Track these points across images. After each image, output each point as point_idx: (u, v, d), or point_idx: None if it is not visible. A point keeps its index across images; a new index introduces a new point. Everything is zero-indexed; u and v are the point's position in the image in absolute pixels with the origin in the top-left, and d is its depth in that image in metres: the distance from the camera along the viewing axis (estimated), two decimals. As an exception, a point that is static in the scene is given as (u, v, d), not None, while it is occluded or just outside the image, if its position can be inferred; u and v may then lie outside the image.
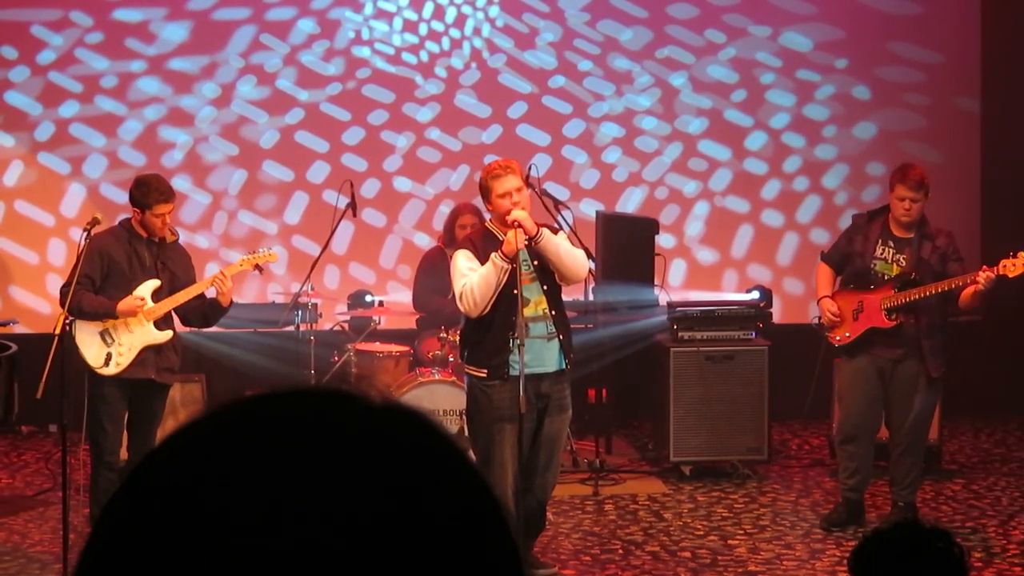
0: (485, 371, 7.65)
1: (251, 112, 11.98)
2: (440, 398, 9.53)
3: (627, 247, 10.43)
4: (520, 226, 7.45)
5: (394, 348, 10.30)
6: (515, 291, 7.47)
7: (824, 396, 10.40)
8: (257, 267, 8.58)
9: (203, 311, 8.29)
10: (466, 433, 8.04)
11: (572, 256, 7.65)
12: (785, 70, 12.26)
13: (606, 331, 10.48)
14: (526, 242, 7.50)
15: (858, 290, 8.69)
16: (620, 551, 8.46)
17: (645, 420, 11.12)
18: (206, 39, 11.90)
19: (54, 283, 11.59)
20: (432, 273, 10.30)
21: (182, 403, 9.82)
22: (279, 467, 1.08)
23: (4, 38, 11.82)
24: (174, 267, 8.21)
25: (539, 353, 7.65)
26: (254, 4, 11.93)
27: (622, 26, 12.17)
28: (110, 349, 8.05)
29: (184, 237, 8.54)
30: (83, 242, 7.95)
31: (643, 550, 8.47)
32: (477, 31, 12.11)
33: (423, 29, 12.07)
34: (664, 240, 11.35)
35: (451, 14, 12.07)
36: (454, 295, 7.84)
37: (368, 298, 10.98)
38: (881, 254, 8.63)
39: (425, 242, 11.65)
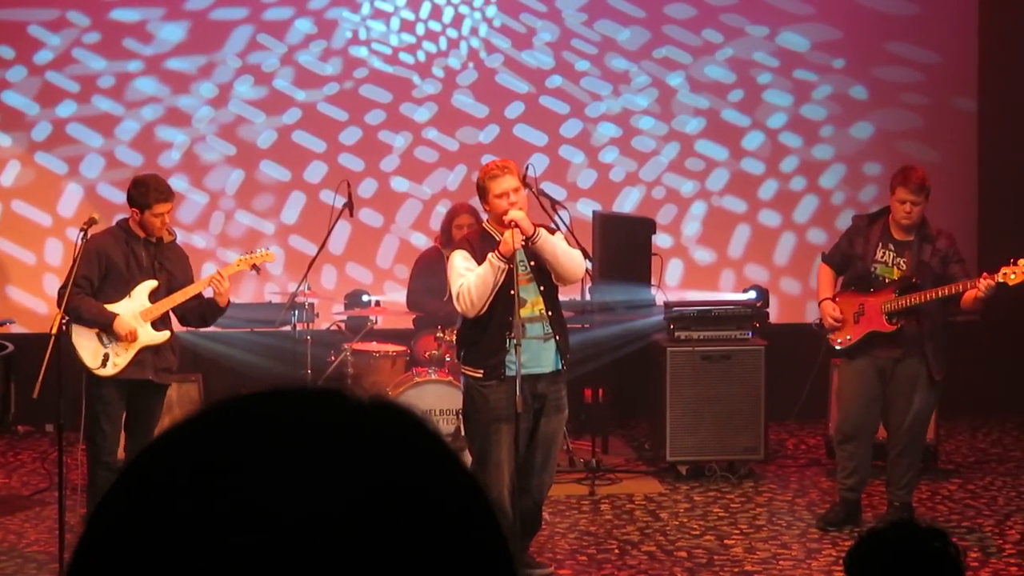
0: (481, 371, 7.66)
1: (248, 112, 11.98)
2: (436, 398, 9.53)
3: (624, 247, 10.44)
4: (517, 226, 7.45)
5: (391, 348, 10.30)
6: (512, 291, 7.46)
7: (820, 396, 10.42)
8: (254, 267, 8.58)
9: (201, 311, 8.28)
10: (462, 433, 8.04)
11: (569, 256, 7.65)
12: (782, 70, 12.26)
13: (603, 331, 10.49)
14: (523, 242, 7.50)
15: (859, 293, 8.68)
16: (616, 551, 8.46)
17: (642, 420, 11.12)
18: (203, 39, 11.90)
19: (51, 283, 11.59)
20: (428, 273, 10.30)
21: (178, 403, 9.82)
22: (271, 464, 1.08)
23: (1, 38, 11.82)
24: (171, 267, 8.21)
25: (536, 353, 7.65)
26: (251, 4, 11.93)
27: (619, 26, 12.17)
28: (107, 350, 8.04)
29: (181, 237, 8.53)
30: (80, 242, 7.94)
31: (639, 550, 8.47)
32: (474, 31, 12.11)
33: (420, 29, 12.07)
34: (661, 240, 11.35)
35: (448, 14, 12.07)
36: (449, 296, 7.83)
37: (365, 298, 10.98)
38: (881, 257, 8.62)
39: (422, 242, 11.65)
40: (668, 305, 10.24)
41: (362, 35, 12.04)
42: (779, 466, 10.36)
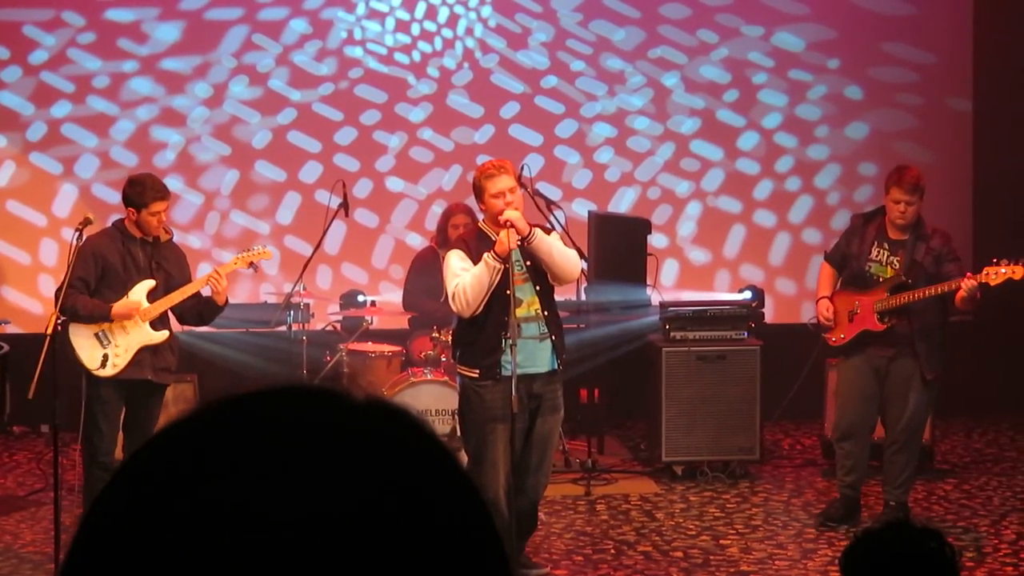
0: (477, 371, 7.65)
1: (243, 112, 11.97)
2: (432, 398, 9.53)
3: (619, 247, 10.44)
4: (512, 226, 7.45)
5: (386, 348, 10.29)
6: (508, 291, 7.47)
7: (817, 396, 10.42)
8: (252, 265, 8.57)
9: (198, 310, 8.27)
10: (458, 433, 8.04)
11: (564, 256, 7.65)
12: (777, 70, 12.26)
13: (598, 331, 10.49)
14: (519, 242, 7.50)
15: (854, 292, 8.72)
16: (612, 551, 8.46)
17: (637, 420, 11.12)
18: (198, 39, 11.89)
19: (46, 283, 11.58)
20: (424, 273, 10.30)
21: (174, 403, 9.79)
22: (266, 464, 1.08)
23: (-4, 38, 11.82)
24: (169, 267, 8.20)
25: (531, 353, 7.64)
26: (246, 4, 11.92)
27: (614, 26, 12.17)
28: (106, 351, 8.03)
29: (176, 237, 8.52)
30: (75, 242, 7.93)
31: (635, 550, 8.47)
32: (469, 31, 12.11)
33: (415, 29, 12.07)
34: (656, 240, 11.36)
35: (443, 14, 12.07)
36: (446, 296, 7.83)
37: (360, 298, 10.97)
38: (876, 256, 8.65)
39: (417, 242, 11.65)
40: (664, 305, 10.24)
41: (357, 35, 12.04)
42: (775, 466, 10.36)
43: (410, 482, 1.10)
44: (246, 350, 10.77)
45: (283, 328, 10.20)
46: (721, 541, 8.62)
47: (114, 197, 10.37)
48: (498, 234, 7.51)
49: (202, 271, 9.48)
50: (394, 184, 12.07)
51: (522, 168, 8.64)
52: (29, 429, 11.26)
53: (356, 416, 1.13)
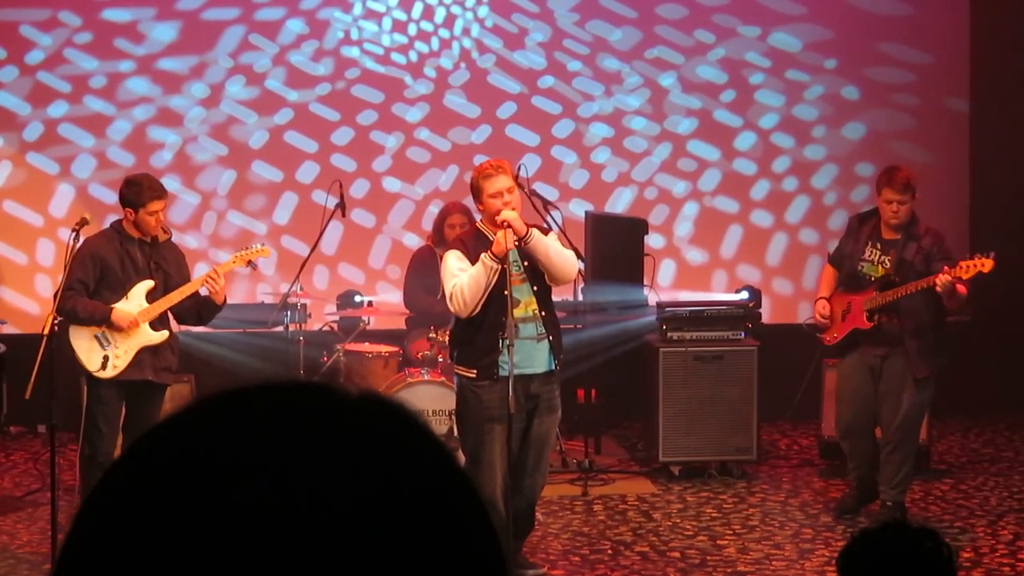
0: (475, 371, 7.65)
1: (240, 112, 11.97)
2: (429, 398, 9.53)
3: (616, 247, 10.44)
4: (510, 226, 7.45)
5: (383, 348, 10.29)
6: (505, 292, 7.47)
7: (814, 397, 10.42)
8: (250, 263, 8.57)
9: (197, 309, 8.27)
10: (455, 434, 8.04)
11: (562, 256, 7.64)
12: (774, 70, 12.27)
13: (595, 331, 10.49)
14: (516, 242, 7.50)
15: (849, 292, 8.80)
16: (609, 551, 8.46)
17: (634, 420, 11.12)
18: (195, 39, 11.89)
19: (43, 283, 11.58)
20: (422, 272, 10.30)
21: (170, 403, 9.78)
22: (261, 458, 1.08)
23: (-7, 38, 11.81)
24: (167, 267, 8.19)
25: (529, 354, 7.64)
26: (243, 4, 11.92)
27: (611, 26, 12.17)
28: (107, 352, 8.03)
29: (173, 237, 8.52)
30: (72, 242, 7.93)
31: (632, 550, 8.47)
32: (466, 31, 12.11)
33: (412, 29, 12.07)
34: (653, 240, 11.35)
35: (440, 14, 12.07)
36: (443, 294, 7.83)
37: (357, 298, 10.97)
38: (869, 256, 8.71)
39: (414, 242, 11.65)
40: (660, 305, 10.24)
41: (354, 35, 12.04)
42: (772, 466, 10.36)
43: (407, 478, 1.10)
44: (243, 350, 10.76)
45: (280, 328, 10.20)
46: (718, 541, 8.62)
47: (111, 197, 10.36)
48: (496, 234, 7.51)
49: (199, 271, 9.47)
50: (391, 184, 12.07)
51: (519, 168, 8.64)
52: (26, 429, 11.26)
53: (351, 411, 1.13)
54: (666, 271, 12.10)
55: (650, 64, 12.21)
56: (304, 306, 10.24)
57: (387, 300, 11.05)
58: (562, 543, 8.61)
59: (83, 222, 7.95)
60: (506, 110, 12.11)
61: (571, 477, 9.89)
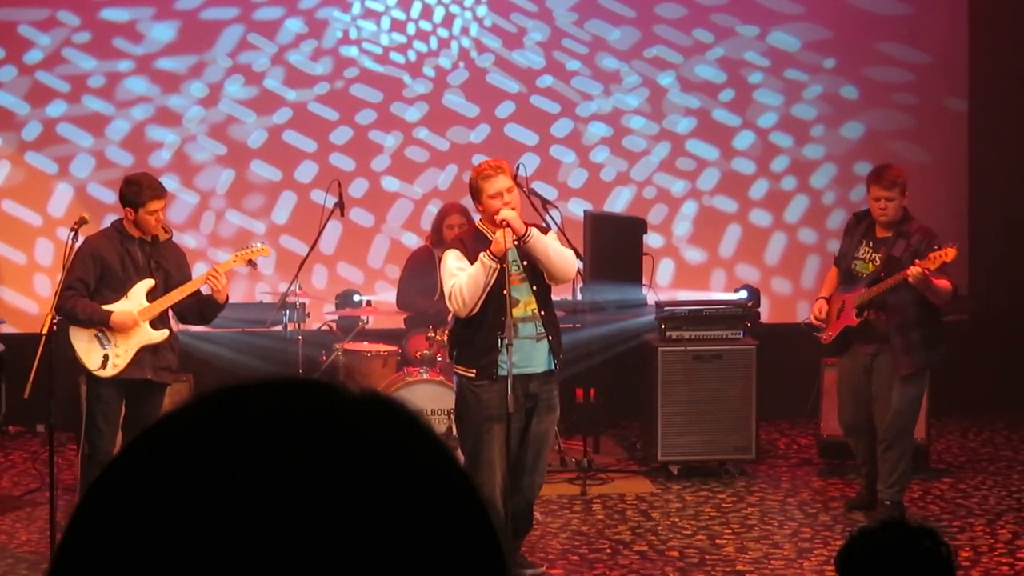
0: (474, 371, 7.65)
1: (239, 112, 11.96)
2: (428, 398, 9.53)
3: (615, 247, 10.44)
4: (509, 226, 7.45)
5: (382, 348, 10.29)
6: (504, 291, 7.46)
7: (813, 395, 10.43)
8: (250, 262, 8.57)
9: (199, 309, 8.27)
10: (454, 433, 8.04)
11: (561, 256, 7.65)
12: (773, 70, 12.27)
13: (594, 331, 10.48)
14: (515, 242, 7.50)
15: (844, 290, 8.86)
16: (608, 550, 8.46)
17: (633, 420, 11.11)
18: (194, 39, 11.89)
19: (41, 283, 11.58)
20: (419, 273, 10.30)
21: (170, 402, 9.79)
22: (258, 455, 1.08)
23: (-9, 37, 11.81)
24: (168, 266, 8.19)
25: (528, 353, 7.64)
26: (242, 4, 11.92)
27: (610, 26, 12.17)
28: (107, 351, 8.02)
29: (173, 237, 8.52)
30: (70, 242, 7.92)
31: (631, 549, 8.47)
32: (465, 30, 12.11)
33: (411, 29, 12.07)
34: (652, 240, 11.35)
35: (439, 13, 12.07)
36: (440, 294, 7.83)
37: (356, 298, 10.96)
38: (862, 254, 8.78)
39: (413, 242, 11.65)
40: (659, 305, 10.24)
41: (352, 35, 12.04)
42: (770, 466, 10.36)
43: (406, 477, 1.10)
44: (242, 350, 10.76)
45: (279, 328, 10.20)
46: (717, 540, 8.62)
47: (110, 197, 10.36)
48: (495, 234, 7.51)
49: (198, 271, 9.46)
50: (390, 184, 12.07)
51: (517, 168, 8.64)
52: (25, 429, 11.25)
53: (351, 409, 1.13)
54: (665, 270, 12.10)
55: (649, 63, 12.21)
56: (303, 305, 10.24)
57: (386, 299, 11.04)
58: (561, 542, 8.61)
59: (82, 221, 7.95)
60: (505, 109, 12.11)
61: (570, 476, 9.89)
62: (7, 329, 11.14)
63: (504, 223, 7.45)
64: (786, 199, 12.35)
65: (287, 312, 10.06)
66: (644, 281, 10.49)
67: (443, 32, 12.09)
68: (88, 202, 11.47)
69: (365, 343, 10.36)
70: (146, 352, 8.08)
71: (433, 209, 11.22)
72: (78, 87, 11.82)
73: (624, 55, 12.19)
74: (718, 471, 9.96)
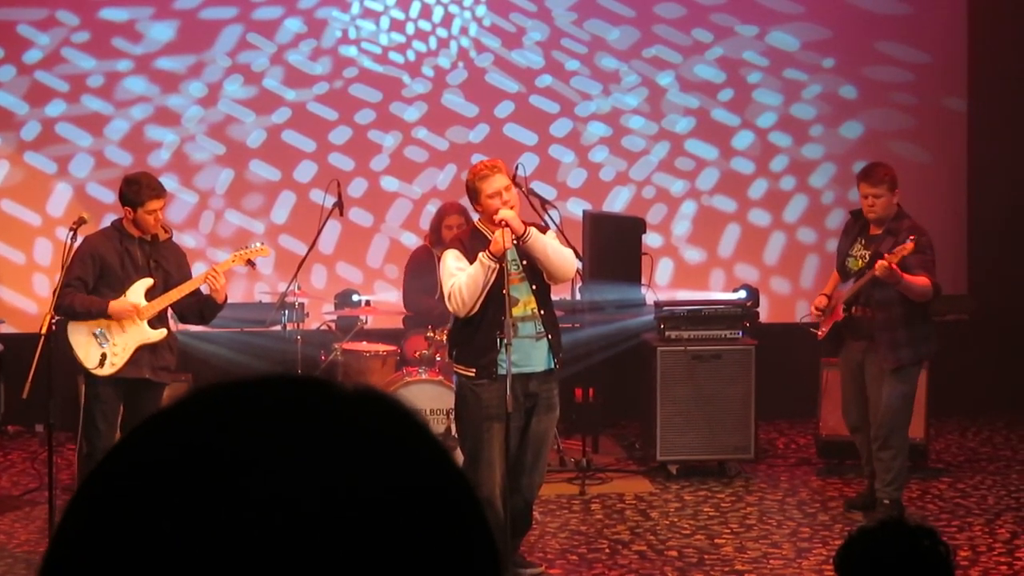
0: (474, 370, 7.65)
1: (238, 111, 11.96)
2: (427, 397, 9.53)
3: (614, 246, 10.43)
4: (508, 225, 7.45)
5: (381, 347, 10.29)
6: (504, 291, 7.46)
7: (812, 395, 10.43)
8: (249, 262, 8.57)
9: (199, 308, 8.27)
10: (453, 433, 8.04)
11: (560, 255, 7.64)
12: (772, 69, 12.27)
13: (593, 330, 10.48)
14: (514, 241, 7.50)
15: (840, 287, 8.89)
16: (607, 550, 8.46)
17: (632, 419, 11.12)
18: (193, 38, 11.88)
19: (40, 283, 11.58)
20: (420, 272, 10.30)
21: (167, 402, 9.79)
22: (254, 452, 1.08)
23: (-10, 37, 11.81)
24: (167, 265, 8.20)
25: (527, 352, 7.64)
26: (241, 3, 11.91)
27: (609, 25, 12.17)
28: (105, 349, 8.03)
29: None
30: (69, 242, 7.93)
31: (630, 549, 8.47)
32: (464, 30, 12.11)
33: (410, 28, 12.07)
34: (651, 239, 11.35)
35: (438, 13, 12.07)
36: (441, 294, 7.83)
37: (355, 297, 10.96)
38: (855, 252, 8.86)
39: (412, 241, 11.65)
40: (658, 304, 10.24)
41: (352, 34, 12.03)
42: (769, 465, 10.36)
43: (403, 476, 1.10)
44: (241, 349, 10.76)
45: (278, 328, 10.19)
46: (716, 540, 8.62)
47: (109, 196, 10.36)
48: (494, 233, 7.51)
49: (197, 271, 9.47)
50: (389, 183, 12.07)
51: (516, 167, 8.64)
52: (23, 428, 11.25)
53: (348, 407, 1.12)
54: (664, 270, 12.10)
55: (648, 63, 12.21)
56: (302, 305, 10.24)
57: (385, 299, 11.04)
58: (560, 542, 8.61)
59: (81, 221, 7.95)
60: (504, 109, 12.11)
61: (569, 476, 9.89)
62: (6, 329, 11.13)
63: (503, 223, 7.45)
64: (785, 199, 12.35)
65: (286, 312, 10.06)
66: (643, 281, 10.48)
67: (442, 32, 12.09)
68: (87, 202, 11.47)
69: (364, 343, 10.36)
70: (144, 351, 8.08)
71: (432, 209, 11.21)
72: (77, 87, 11.82)
73: (623, 55, 12.19)
74: (717, 471, 9.98)
